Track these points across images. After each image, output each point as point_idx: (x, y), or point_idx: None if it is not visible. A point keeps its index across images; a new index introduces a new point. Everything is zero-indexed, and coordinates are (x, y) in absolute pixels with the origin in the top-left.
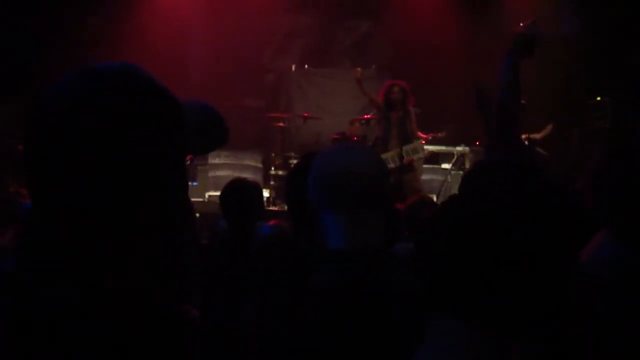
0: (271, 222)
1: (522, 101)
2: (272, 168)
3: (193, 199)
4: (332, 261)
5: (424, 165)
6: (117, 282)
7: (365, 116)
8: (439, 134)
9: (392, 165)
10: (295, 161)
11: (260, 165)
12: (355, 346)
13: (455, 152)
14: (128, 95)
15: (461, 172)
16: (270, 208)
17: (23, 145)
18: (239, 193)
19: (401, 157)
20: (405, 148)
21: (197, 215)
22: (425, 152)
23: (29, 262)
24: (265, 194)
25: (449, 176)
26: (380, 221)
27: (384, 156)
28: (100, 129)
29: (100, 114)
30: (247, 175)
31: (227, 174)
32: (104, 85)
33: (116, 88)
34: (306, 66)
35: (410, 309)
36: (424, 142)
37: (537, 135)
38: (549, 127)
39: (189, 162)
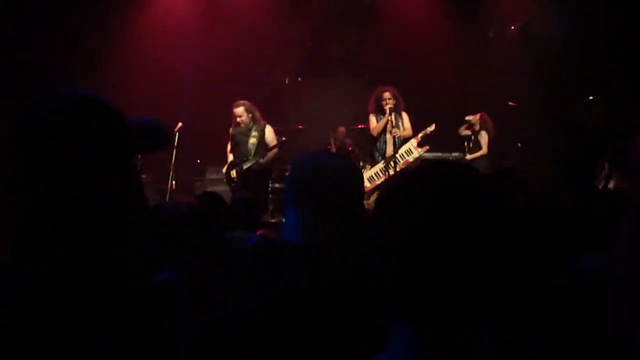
0: (258, 232)
1: (512, 103)
2: (269, 181)
3: None
4: (294, 258)
5: None
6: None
7: (360, 126)
8: (428, 129)
9: (381, 177)
10: None
11: None
12: (315, 341)
13: (450, 158)
14: (85, 115)
15: None
16: (270, 220)
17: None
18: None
19: (390, 167)
20: (400, 152)
21: None
22: (421, 152)
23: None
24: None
25: None
26: (338, 217)
27: (372, 171)
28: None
29: (65, 128)
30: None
31: (224, 188)
32: (67, 108)
33: (77, 111)
34: (299, 79)
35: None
36: (417, 141)
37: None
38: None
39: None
